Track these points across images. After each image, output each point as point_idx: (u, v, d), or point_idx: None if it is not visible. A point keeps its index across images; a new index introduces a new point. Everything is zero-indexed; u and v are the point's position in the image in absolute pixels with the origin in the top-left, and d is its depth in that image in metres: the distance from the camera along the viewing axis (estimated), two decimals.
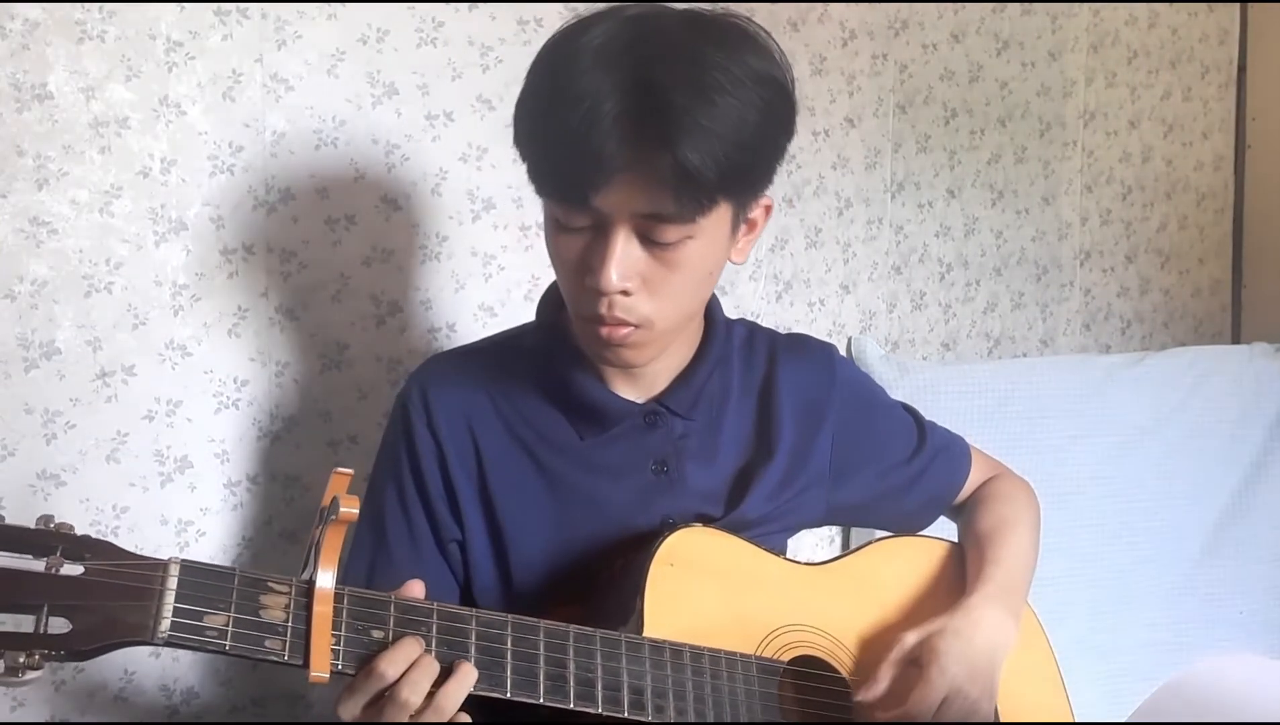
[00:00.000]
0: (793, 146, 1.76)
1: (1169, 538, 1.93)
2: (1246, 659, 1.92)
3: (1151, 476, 1.93)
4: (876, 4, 1.84)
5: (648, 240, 0.96)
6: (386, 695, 0.86)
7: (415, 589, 0.93)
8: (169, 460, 1.37)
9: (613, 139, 0.89)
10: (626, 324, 0.99)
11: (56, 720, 1.32)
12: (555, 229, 0.99)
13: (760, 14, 1.72)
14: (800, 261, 1.81)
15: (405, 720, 0.86)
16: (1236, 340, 2.27)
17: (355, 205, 1.45)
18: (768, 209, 1.05)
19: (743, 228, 1.03)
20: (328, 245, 1.44)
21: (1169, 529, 1.93)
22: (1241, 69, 2.24)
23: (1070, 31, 2.05)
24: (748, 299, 1.77)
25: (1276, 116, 2.22)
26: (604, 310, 0.97)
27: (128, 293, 1.34)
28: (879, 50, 1.85)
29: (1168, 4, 2.15)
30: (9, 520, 1.27)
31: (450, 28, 1.50)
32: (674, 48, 0.92)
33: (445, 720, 0.87)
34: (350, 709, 0.87)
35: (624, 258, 0.95)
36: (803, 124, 1.79)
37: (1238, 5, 2.23)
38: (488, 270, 1.55)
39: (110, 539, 1.31)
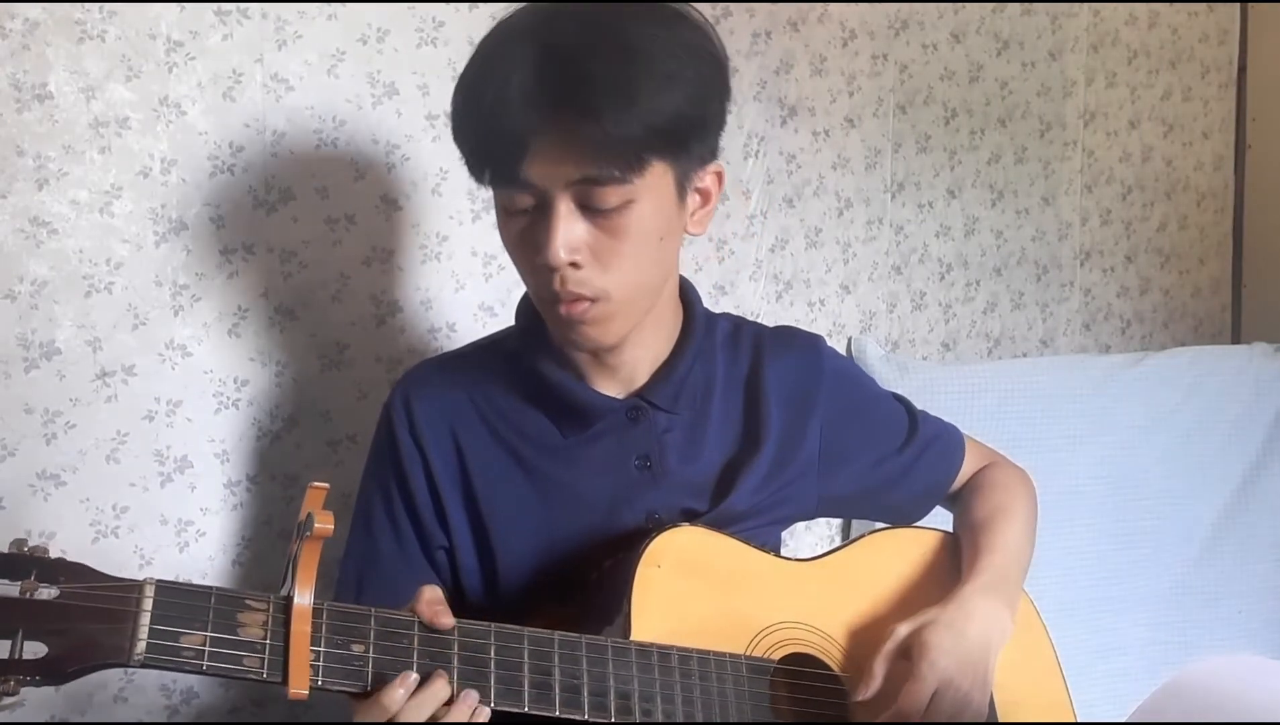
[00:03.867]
0: (793, 146, 1.79)
1: (1169, 537, 1.93)
2: (1246, 659, 1.92)
3: (1151, 476, 1.93)
4: (876, 4, 1.84)
5: (588, 209, 0.96)
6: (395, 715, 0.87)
7: (429, 591, 0.92)
8: (169, 460, 1.37)
9: (521, 107, 0.90)
10: (582, 298, 0.99)
11: (56, 720, 1.32)
12: (503, 217, 1.01)
13: (760, 14, 1.73)
14: (800, 261, 1.81)
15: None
16: (1236, 340, 2.27)
17: (355, 205, 1.45)
18: (719, 175, 1.05)
19: (696, 198, 1.04)
20: (328, 245, 1.44)
21: (1169, 529, 1.93)
22: (1241, 69, 2.24)
23: (1070, 31, 2.05)
24: (748, 299, 1.77)
25: (1276, 116, 2.22)
26: (557, 286, 0.98)
27: (128, 293, 1.34)
28: (879, 50, 1.85)
29: (1168, 4, 2.15)
30: (8, 521, 1.27)
31: (450, 28, 1.50)
32: (588, 19, 0.94)
33: None
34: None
35: (568, 230, 0.95)
36: (803, 124, 1.79)
37: (1238, 5, 2.23)
38: (488, 270, 1.55)
39: (110, 539, 1.33)
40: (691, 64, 0.95)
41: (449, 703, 0.88)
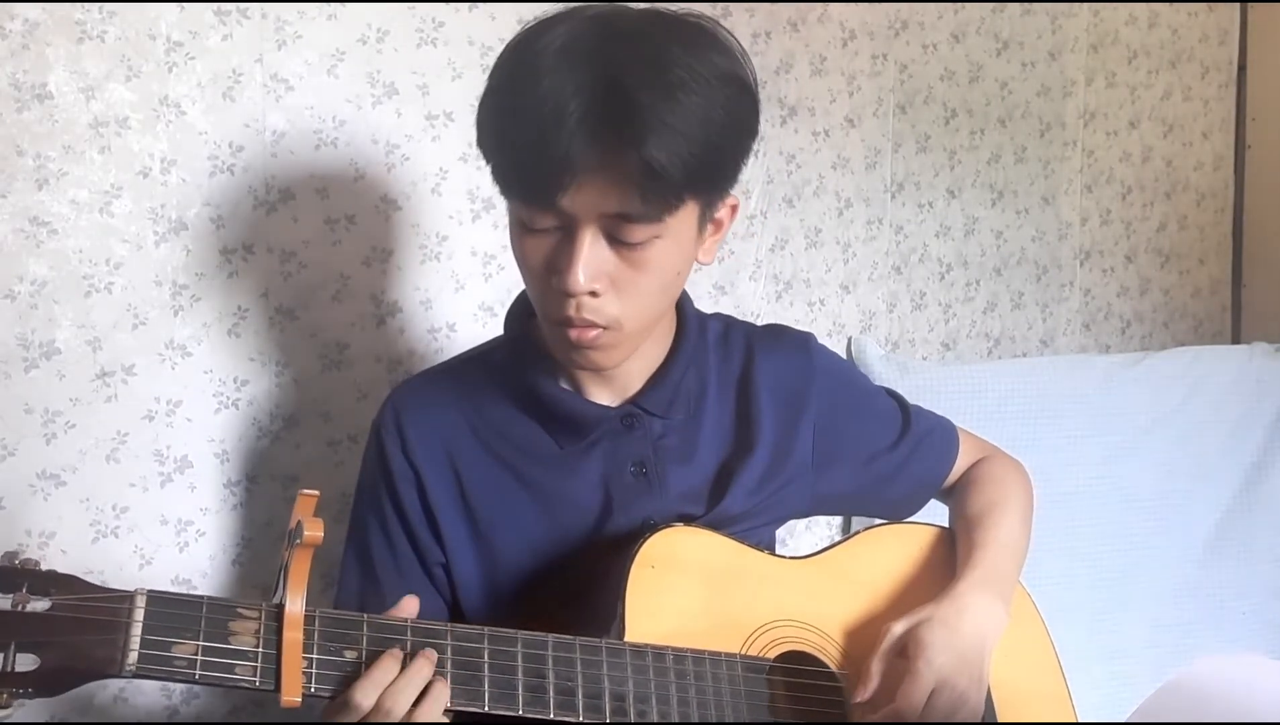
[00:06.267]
0: (793, 146, 1.79)
1: (1170, 538, 1.93)
2: (1248, 659, 1.92)
3: (1152, 477, 1.93)
4: (876, 4, 1.84)
5: (615, 240, 0.95)
6: (367, 716, 0.86)
7: (409, 605, 0.93)
8: (169, 460, 1.37)
9: (578, 140, 0.88)
10: (595, 326, 0.98)
11: (56, 720, 1.32)
12: (521, 231, 0.99)
13: (760, 14, 1.73)
14: (800, 261, 1.81)
15: None
16: (1236, 340, 2.27)
17: (355, 205, 1.45)
18: (734, 208, 1.05)
19: (709, 228, 1.03)
20: (328, 245, 1.44)
21: (1170, 529, 1.93)
22: (1241, 69, 2.24)
23: (1070, 31, 2.05)
24: (748, 299, 1.77)
25: (1276, 116, 2.22)
26: (572, 312, 0.97)
27: (128, 293, 1.34)
28: (879, 50, 1.85)
29: (1168, 4, 2.15)
30: (8, 521, 1.28)
31: (450, 28, 1.50)
32: (637, 46, 0.91)
33: None
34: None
35: (591, 258, 0.94)
36: (803, 124, 1.79)
37: (1238, 5, 2.23)
38: (488, 270, 1.55)
39: (110, 539, 1.33)
40: (731, 101, 0.94)
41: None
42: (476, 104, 1.50)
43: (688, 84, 0.90)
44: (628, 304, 0.98)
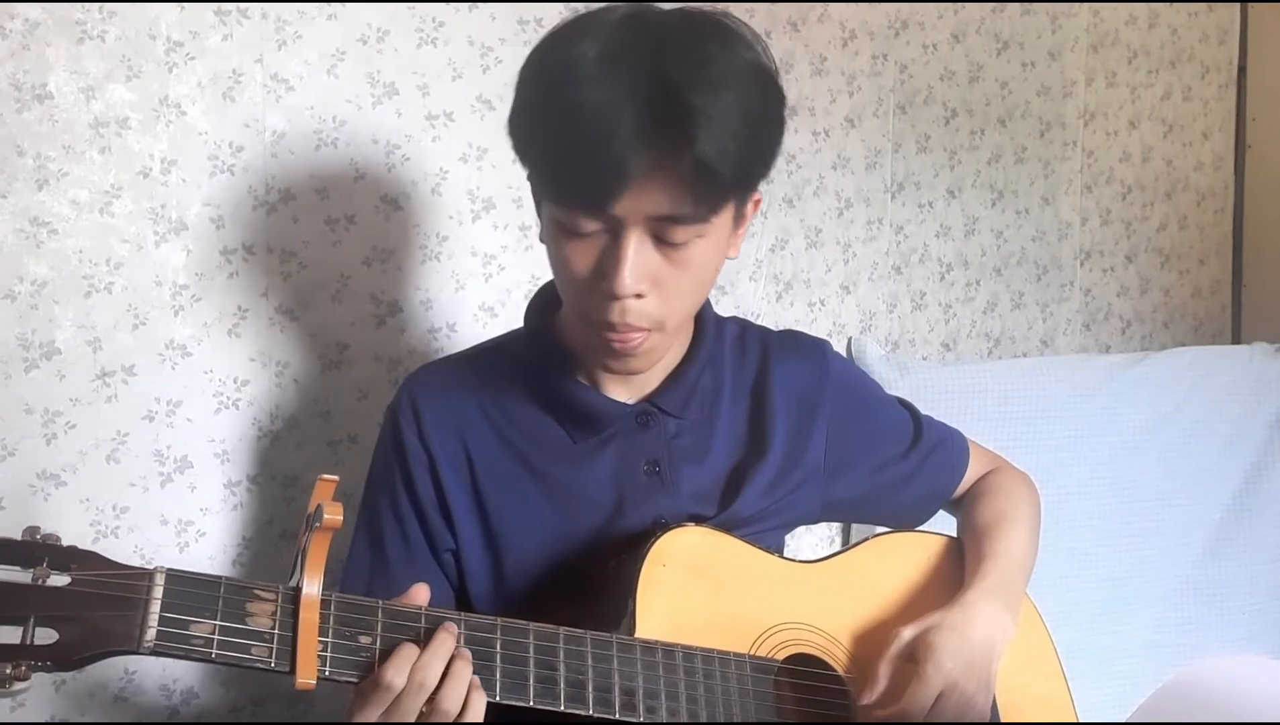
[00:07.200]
0: (793, 146, 1.79)
1: (1171, 538, 1.93)
2: (1248, 659, 1.92)
3: (1152, 477, 1.93)
4: (876, 4, 1.84)
5: (660, 241, 0.96)
6: (400, 695, 0.86)
7: (420, 594, 0.93)
8: (169, 460, 1.37)
9: (634, 146, 0.88)
10: (639, 330, 0.98)
11: (56, 720, 1.32)
12: (562, 236, 0.98)
13: (760, 14, 1.73)
14: (800, 261, 1.81)
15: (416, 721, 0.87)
16: (1236, 340, 2.27)
17: (355, 205, 1.45)
18: (757, 202, 1.06)
19: (740, 223, 1.04)
20: (328, 245, 1.44)
21: (1171, 529, 1.93)
22: (1241, 69, 2.24)
23: (1070, 31, 2.05)
24: (748, 299, 1.77)
25: (1276, 116, 2.22)
26: (616, 317, 0.97)
27: (128, 293, 1.34)
28: (879, 50, 1.85)
29: (1168, 4, 2.15)
30: (8, 521, 1.28)
31: (450, 28, 1.50)
32: (676, 47, 0.92)
33: (450, 720, 0.87)
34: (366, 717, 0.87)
35: (638, 261, 0.95)
36: (803, 124, 1.79)
37: (1238, 5, 2.23)
38: (488, 270, 1.55)
39: (110, 539, 1.33)
40: (764, 93, 0.94)
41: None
42: (475, 104, 1.52)
43: (727, 80, 0.91)
44: (670, 304, 0.99)
